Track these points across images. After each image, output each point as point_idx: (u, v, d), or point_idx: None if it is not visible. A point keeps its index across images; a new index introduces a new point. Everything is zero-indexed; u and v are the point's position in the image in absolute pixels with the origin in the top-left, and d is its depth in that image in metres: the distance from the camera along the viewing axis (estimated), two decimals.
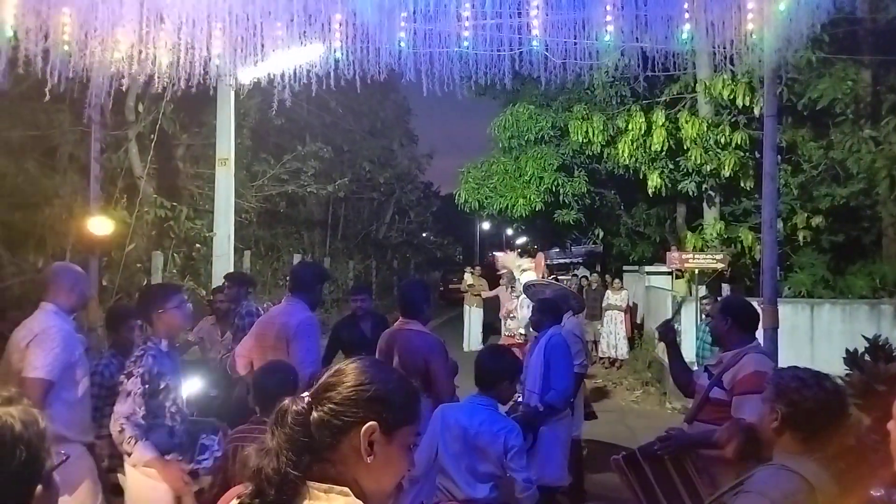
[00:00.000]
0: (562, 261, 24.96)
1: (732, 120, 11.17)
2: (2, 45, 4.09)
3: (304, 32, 4.57)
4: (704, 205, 12.13)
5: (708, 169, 11.12)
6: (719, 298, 8.60)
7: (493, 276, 14.50)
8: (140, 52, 4.68)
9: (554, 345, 4.62)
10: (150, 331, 3.41)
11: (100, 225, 6.59)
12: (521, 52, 4.61)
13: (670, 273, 12.58)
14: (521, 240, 41.41)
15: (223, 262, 7.59)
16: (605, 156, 12.83)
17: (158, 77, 4.93)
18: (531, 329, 5.58)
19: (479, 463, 2.99)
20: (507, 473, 2.97)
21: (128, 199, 9.90)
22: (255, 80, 5.74)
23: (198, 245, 11.54)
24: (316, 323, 3.99)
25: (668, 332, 3.59)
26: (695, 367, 9.13)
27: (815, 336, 9.31)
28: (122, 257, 9.09)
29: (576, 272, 19.70)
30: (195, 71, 4.96)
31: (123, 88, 5.29)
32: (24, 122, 8.58)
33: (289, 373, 3.15)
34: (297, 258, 16.15)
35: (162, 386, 3.23)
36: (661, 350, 11.56)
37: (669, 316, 10.45)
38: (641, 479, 2.86)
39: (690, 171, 11.46)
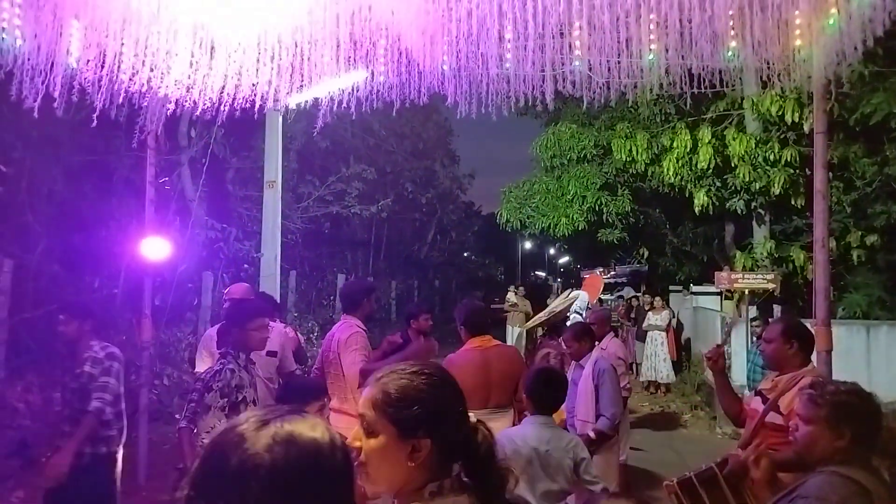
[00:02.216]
0: (606, 280, 24.63)
1: (781, 136, 10.92)
2: (62, 73, 4.27)
3: (350, 58, 4.68)
4: (754, 223, 11.85)
5: (757, 186, 10.87)
6: (770, 320, 8.36)
7: (536, 296, 14.41)
8: (192, 79, 4.85)
9: (601, 370, 4.59)
10: (227, 344, 3.59)
11: (153, 246, 6.80)
12: (563, 72, 4.62)
13: (719, 293, 12.29)
14: (564, 259, 41.06)
15: (270, 282, 7.73)
16: (649, 174, 12.67)
17: (209, 103, 5.10)
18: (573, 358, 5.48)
19: (553, 483, 3.03)
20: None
21: (180, 221, 10.22)
22: (302, 105, 5.88)
23: (246, 265, 11.81)
24: (363, 337, 4.22)
25: (719, 359, 3.49)
26: (745, 391, 8.89)
27: (872, 359, 8.94)
28: (174, 278, 9.37)
29: (621, 292, 19.42)
30: (245, 97, 5.13)
31: (177, 115, 5.49)
32: (82, 147, 8.97)
33: (301, 386, 3.30)
34: (341, 278, 16.36)
35: (240, 398, 3.34)
36: (710, 373, 11.28)
37: (718, 337, 10.21)
38: None
39: (738, 188, 11.22)
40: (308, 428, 0.99)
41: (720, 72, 4.91)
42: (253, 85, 5.08)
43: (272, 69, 4.96)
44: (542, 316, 7.66)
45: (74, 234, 9.22)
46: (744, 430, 3.19)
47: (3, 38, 3.98)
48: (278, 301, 6.52)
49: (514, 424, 3.68)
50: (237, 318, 3.57)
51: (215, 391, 3.30)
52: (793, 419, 2.17)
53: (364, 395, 1.41)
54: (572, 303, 7.72)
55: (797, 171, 10.76)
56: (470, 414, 1.41)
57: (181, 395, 6.82)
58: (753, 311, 9.75)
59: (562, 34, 4.46)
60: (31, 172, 8.18)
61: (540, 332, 7.60)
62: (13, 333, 7.53)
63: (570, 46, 4.44)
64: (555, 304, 7.95)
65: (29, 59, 4.16)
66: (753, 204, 11.45)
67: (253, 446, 0.93)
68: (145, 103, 5.14)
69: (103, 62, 4.56)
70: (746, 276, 10.06)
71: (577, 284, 18.16)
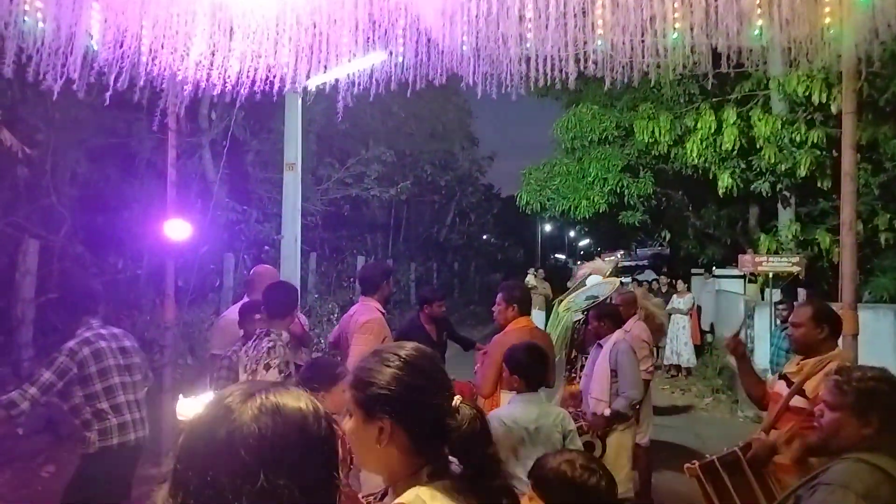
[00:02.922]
0: (627, 263, 24.48)
1: (808, 117, 10.68)
2: (82, 55, 4.29)
3: (369, 39, 4.64)
4: (779, 205, 11.65)
5: (782, 168, 10.67)
6: (797, 304, 8.24)
7: (556, 279, 14.34)
8: (211, 61, 4.85)
9: (621, 351, 4.56)
10: (274, 325, 3.72)
11: (176, 228, 6.85)
12: (585, 52, 4.54)
13: (742, 276, 12.14)
14: (584, 242, 40.82)
15: (290, 263, 7.78)
16: (672, 156, 12.49)
17: (229, 85, 5.10)
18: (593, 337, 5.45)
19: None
20: None
21: (202, 203, 10.30)
22: (321, 87, 5.86)
23: (266, 247, 11.89)
24: (382, 323, 4.24)
25: (738, 346, 3.45)
26: (768, 375, 8.80)
27: None
28: (196, 259, 9.46)
29: (640, 275, 19.26)
30: (264, 78, 5.12)
31: (198, 97, 5.50)
32: (105, 130, 9.05)
33: (323, 369, 3.30)
34: (360, 260, 16.43)
35: (290, 374, 3.47)
36: (733, 357, 11.17)
37: (741, 322, 10.10)
38: (719, 488, 2.77)
39: (764, 170, 11.02)
40: (293, 399, 1.01)
41: (746, 51, 4.80)
42: (272, 66, 5.07)
43: (291, 50, 4.95)
44: (579, 300, 7.44)
45: (98, 216, 9.34)
46: (767, 414, 3.15)
47: (24, 21, 4.01)
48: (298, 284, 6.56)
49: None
50: (287, 309, 3.78)
51: (274, 368, 3.40)
52: (818, 404, 2.13)
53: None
54: (615, 287, 7.54)
55: (824, 152, 10.53)
56: (456, 397, 1.41)
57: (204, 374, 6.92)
58: (777, 295, 9.62)
59: (584, 13, 4.38)
60: (55, 155, 8.28)
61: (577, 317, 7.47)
62: (39, 313, 7.68)
63: (592, 25, 4.36)
64: (591, 290, 7.74)
65: (50, 42, 4.19)
66: (779, 186, 11.25)
67: (240, 417, 0.95)
68: (166, 85, 5.16)
69: (122, 44, 4.58)
70: (771, 259, 9.91)
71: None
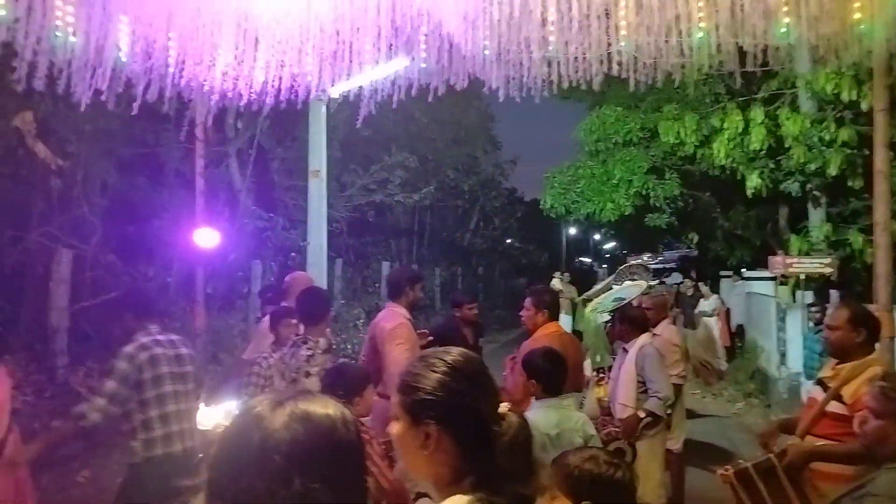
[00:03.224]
0: (653, 266, 24.18)
1: (837, 116, 10.47)
2: (111, 67, 4.37)
3: (392, 46, 4.66)
4: (809, 206, 11.42)
5: (812, 168, 10.46)
6: (828, 305, 8.06)
7: (582, 282, 14.24)
8: (237, 71, 4.92)
9: (646, 355, 4.50)
10: (310, 331, 3.76)
11: (204, 236, 6.96)
12: (609, 54, 4.51)
13: (773, 279, 11.93)
14: (609, 245, 40.50)
15: (317, 270, 7.83)
16: (698, 157, 12.33)
17: (255, 95, 5.17)
18: (618, 340, 5.41)
19: None
20: None
21: (229, 211, 10.43)
22: (344, 94, 5.90)
23: (293, 254, 12.00)
24: (409, 329, 4.22)
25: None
26: (801, 379, 8.60)
27: None
28: (224, 267, 9.58)
29: (667, 278, 19.02)
30: (289, 87, 5.18)
31: (224, 106, 5.57)
32: (134, 140, 9.22)
33: (353, 373, 3.32)
34: (385, 266, 16.49)
35: None
36: (764, 360, 10.98)
37: (773, 323, 9.92)
38: (753, 496, 2.71)
39: (793, 170, 10.82)
40: (321, 406, 1.04)
41: (773, 49, 4.73)
42: (296, 75, 5.12)
43: (315, 59, 4.99)
44: (606, 302, 7.41)
45: (128, 225, 9.51)
46: (802, 419, 3.08)
47: (56, 35, 4.10)
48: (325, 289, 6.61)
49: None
50: (320, 314, 3.81)
51: (314, 376, 3.45)
52: (860, 411, 2.07)
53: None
54: (642, 289, 7.49)
55: (855, 151, 10.30)
56: (502, 405, 1.39)
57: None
58: (810, 297, 9.43)
59: (607, 14, 4.35)
60: (86, 165, 8.45)
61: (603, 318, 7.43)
62: (73, 321, 7.83)
63: (616, 27, 4.33)
64: (619, 292, 7.69)
65: (80, 55, 4.28)
66: (809, 186, 11.04)
67: (271, 424, 0.98)
68: (193, 96, 5.24)
69: (150, 56, 4.66)
70: (802, 260, 9.73)
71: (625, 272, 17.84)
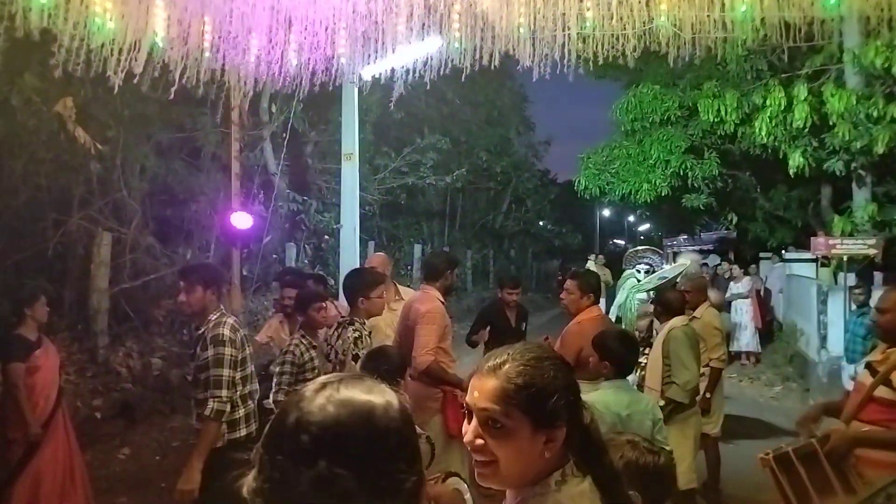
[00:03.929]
0: (690, 248, 23.80)
1: (886, 91, 10.07)
2: (147, 52, 4.41)
3: (424, 25, 4.61)
4: (854, 185, 11.05)
5: (858, 146, 10.11)
6: (872, 288, 7.82)
7: (616, 265, 14.07)
8: (271, 54, 4.92)
9: (672, 338, 4.42)
10: (355, 312, 3.79)
11: (240, 219, 7.04)
12: (648, 30, 4.38)
13: (814, 260, 11.62)
14: (645, 227, 39.94)
15: (350, 252, 7.87)
16: (738, 135, 12.02)
17: (288, 78, 5.17)
18: (657, 322, 5.34)
19: None
20: None
21: (264, 195, 10.53)
22: (377, 77, 5.87)
23: (326, 236, 12.09)
24: (442, 313, 4.21)
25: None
26: (843, 363, 8.38)
27: None
28: (259, 249, 9.70)
29: (704, 261, 18.70)
30: (322, 70, 5.17)
31: (258, 90, 5.60)
32: (171, 125, 9.34)
33: (396, 357, 3.33)
34: (417, 248, 16.52)
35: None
36: (803, 343, 10.74)
37: (814, 306, 9.69)
38: (794, 481, 2.64)
39: (837, 148, 10.47)
40: (364, 390, 1.03)
41: (819, 22, 4.55)
42: (329, 57, 5.11)
43: (347, 40, 4.97)
44: (652, 283, 7.37)
45: (166, 208, 9.67)
46: (848, 404, 2.99)
47: (94, 21, 4.15)
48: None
49: None
50: (359, 290, 3.79)
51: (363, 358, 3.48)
52: None
53: (484, 388, 1.30)
54: (681, 271, 7.40)
55: None
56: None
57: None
58: (852, 279, 9.17)
59: None
60: (125, 150, 8.60)
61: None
62: (113, 302, 8.02)
63: (655, 1, 4.20)
64: (665, 271, 7.64)
65: (118, 41, 4.32)
66: (853, 164, 10.67)
67: (308, 405, 1.00)
68: (228, 79, 5.27)
69: (186, 40, 4.69)
70: (845, 241, 9.45)
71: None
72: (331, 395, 1.01)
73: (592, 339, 3.31)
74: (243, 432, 3.48)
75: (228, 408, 3.34)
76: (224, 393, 3.33)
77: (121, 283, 8.20)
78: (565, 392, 1.29)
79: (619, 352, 3.16)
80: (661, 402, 4.18)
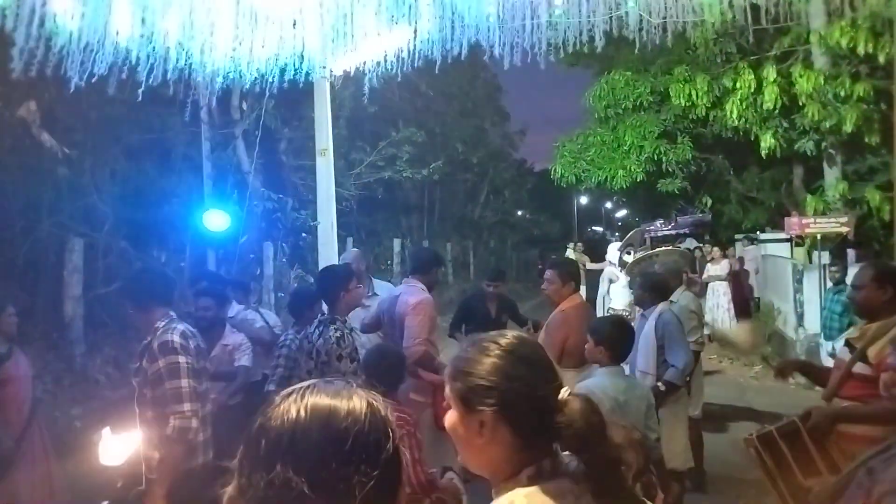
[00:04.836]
0: (666, 232, 23.97)
1: (853, 70, 10.22)
2: (111, 52, 4.31)
3: (393, 16, 4.56)
4: (825, 164, 11.22)
5: (827, 125, 10.25)
6: (848, 266, 7.95)
7: (595, 253, 14.17)
8: (238, 51, 4.84)
9: (666, 322, 4.46)
10: (335, 310, 3.67)
11: (214, 219, 6.95)
12: (616, 16, 4.39)
13: (788, 240, 11.79)
14: (622, 213, 40.25)
15: (328, 249, 7.79)
16: (710, 118, 12.13)
17: (258, 74, 5.10)
18: (637, 307, 5.38)
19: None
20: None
21: (238, 194, 10.40)
22: (349, 71, 5.81)
23: (304, 234, 11.99)
24: (431, 305, 4.24)
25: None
26: (821, 339, 8.51)
27: None
28: (236, 249, 9.58)
29: (682, 244, 18.84)
30: (292, 65, 5.10)
31: (228, 88, 5.51)
32: (140, 126, 9.18)
33: (396, 355, 3.25)
34: (396, 243, 16.46)
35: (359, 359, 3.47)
36: (781, 322, 10.89)
37: (790, 285, 9.84)
38: (778, 460, 2.67)
39: (807, 128, 10.62)
40: (330, 395, 1.03)
41: (786, 4, 4.59)
42: (298, 52, 5.04)
43: (316, 34, 4.90)
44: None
45: (139, 211, 9.51)
46: (829, 381, 3.02)
47: (54, 21, 4.03)
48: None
49: None
50: (337, 286, 3.70)
51: (346, 358, 3.42)
52: (885, 371, 2.00)
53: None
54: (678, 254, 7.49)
55: (871, 106, 10.07)
56: (564, 390, 1.31)
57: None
58: (827, 257, 9.31)
59: None
60: (94, 153, 8.44)
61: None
62: (88, 309, 7.88)
63: None
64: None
65: (80, 41, 4.21)
66: (824, 144, 10.83)
67: (273, 411, 1.02)
68: (195, 78, 5.17)
69: (150, 38, 4.59)
70: (818, 220, 9.59)
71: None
72: (295, 401, 1.01)
73: (589, 325, 3.35)
74: (201, 460, 3.09)
75: (194, 423, 2.96)
76: (187, 407, 2.95)
77: (95, 289, 8.05)
78: (491, 377, 1.29)
79: (614, 337, 3.18)
80: (661, 386, 4.21)
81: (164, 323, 3.13)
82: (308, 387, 1.04)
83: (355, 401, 1.03)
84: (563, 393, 1.30)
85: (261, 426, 1.00)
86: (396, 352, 3.50)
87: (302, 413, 0.99)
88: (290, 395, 1.03)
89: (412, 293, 4.22)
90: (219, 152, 10.49)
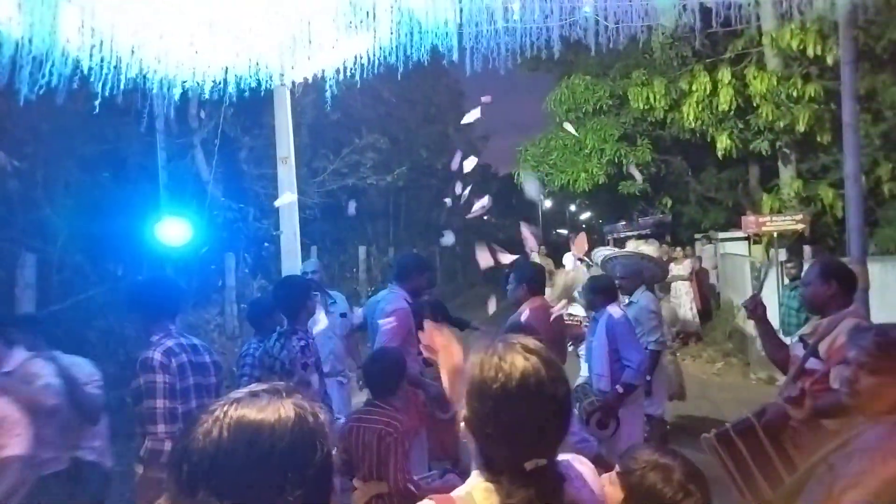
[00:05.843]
0: (629, 234, 24.32)
1: (804, 72, 10.53)
2: (61, 62, 4.19)
3: (351, 23, 4.53)
4: (779, 164, 11.53)
5: (781, 125, 10.54)
6: (804, 262, 8.15)
7: (559, 254, 14.28)
8: (194, 59, 4.76)
9: (614, 324, 4.44)
10: (294, 321, 3.69)
11: (171, 230, 6.80)
12: (572, 21, 4.43)
13: (746, 238, 12.05)
14: (586, 215, 40.67)
15: (291, 258, 7.70)
16: (668, 121, 12.37)
17: (215, 82, 5.02)
18: (587, 310, 5.37)
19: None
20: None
21: (198, 204, 10.20)
22: (308, 78, 5.76)
23: (266, 244, 11.82)
24: (407, 314, 4.22)
25: (757, 307, 3.32)
26: (779, 335, 8.71)
27: None
28: (197, 260, 9.40)
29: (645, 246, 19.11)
30: (249, 73, 5.03)
31: (186, 96, 5.40)
32: (94, 137, 8.95)
33: (394, 360, 3.29)
34: (362, 250, 16.35)
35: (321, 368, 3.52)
36: (741, 319, 11.11)
37: (748, 283, 10.03)
38: (735, 456, 2.71)
39: (762, 129, 10.90)
40: (257, 410, 1.00)
41: (737, 7, 4.70)
42: (256, 60, 4.97)
43: (274, 42, 4.84)
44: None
45: (94, 224, 9.25)
46: (785, 378, 3.08)
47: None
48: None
49: None
50: (297, 298, 3.73)
51: (311, 366, 3.53)
52: (837, 365, 2.04)
53: None
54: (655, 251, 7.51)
55: (822, 106, 10.39)
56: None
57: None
58: (783, 254, 9.54)
59: None
60: (46, 166, 8.19)
61: None
62: (42, 326, 7.62)
63: None
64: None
65: (28, 51, 4.09)
66: (778, 143, 11.13)
67: (196, 430, 0.99)
68: (150, 87, 5.06)
69: (101, 47, 4.47)
70: (774, 218, 9.82)
71: (600, 241, 17.95)
72: (218, 419, 0.99)
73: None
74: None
75: (167, 446, 2.84)
76: (160, 429, 2.86)
77: (49, 305, 7.80)
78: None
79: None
80: (620, 388, 4.21)
81: (158, 337, 3.05)
82: (233, 402, 1.02)
83: (282, 413, 1.01)
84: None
85: (184, 449, 0.97)
86: (393, 357, 3.40)
87: (224, 434, 0.97)
88: (213, 411, 1.00)
89: (390, 300, 4.26)
90: (176, 162, 10.28)
